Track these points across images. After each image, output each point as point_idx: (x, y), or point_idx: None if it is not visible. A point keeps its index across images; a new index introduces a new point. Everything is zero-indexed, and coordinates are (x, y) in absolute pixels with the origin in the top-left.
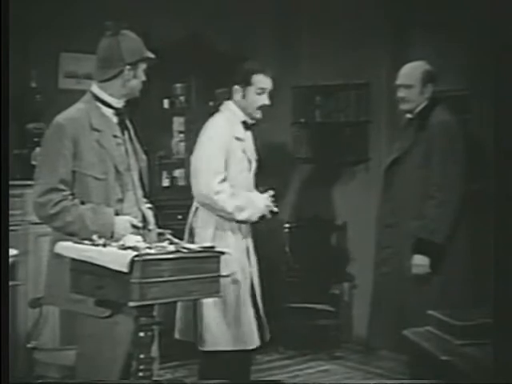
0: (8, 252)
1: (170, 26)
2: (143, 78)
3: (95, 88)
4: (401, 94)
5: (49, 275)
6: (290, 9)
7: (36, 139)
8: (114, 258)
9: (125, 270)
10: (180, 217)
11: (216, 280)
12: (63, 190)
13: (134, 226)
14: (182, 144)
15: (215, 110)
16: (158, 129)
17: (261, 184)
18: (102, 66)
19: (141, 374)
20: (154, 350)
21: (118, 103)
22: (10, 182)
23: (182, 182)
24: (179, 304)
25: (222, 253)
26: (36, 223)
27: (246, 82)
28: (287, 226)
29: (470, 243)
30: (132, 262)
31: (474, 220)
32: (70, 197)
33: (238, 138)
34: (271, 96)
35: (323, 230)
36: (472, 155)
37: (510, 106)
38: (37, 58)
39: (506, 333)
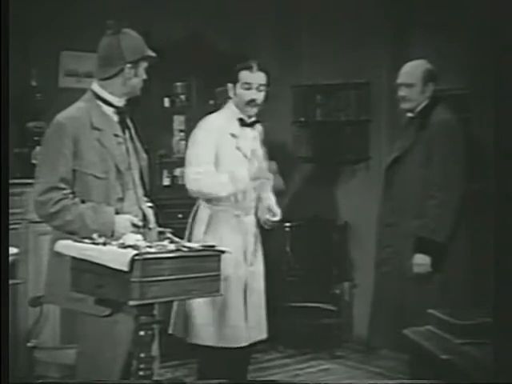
0: (8, 250)
1: (170, 26)
2: (144, 76)
3: (96, 86)
4: (402, 92)
5: (49, 274)
6: (291, 8)
7: (36, 138)
8: (114, 256)
9: (125, 268)
10: (180, 215)
11: (216, 279)
12: (63, 189)
13: (134, 225)
14: (183, 143)
15: (216, 108)
16: (159, 127)
17: None
18: (103, 65)
19: (141, 373)
20: (155, 349)
21: (119, 102)
22: (10, 181)
23: (182, 181)
24: None
25: (223, 252)
26: (36, 222)
27: (235, 80)
28: (288, 225)
29: (470, 242)
30: (132, 261)
31: (475, 219)
32: (71, 195)
33: (232, 135)
34: (271, 95)
35: (324, 229)
36: (472, 155)
37: (510, 106)
38: (37, 57)
39: (505, 332)
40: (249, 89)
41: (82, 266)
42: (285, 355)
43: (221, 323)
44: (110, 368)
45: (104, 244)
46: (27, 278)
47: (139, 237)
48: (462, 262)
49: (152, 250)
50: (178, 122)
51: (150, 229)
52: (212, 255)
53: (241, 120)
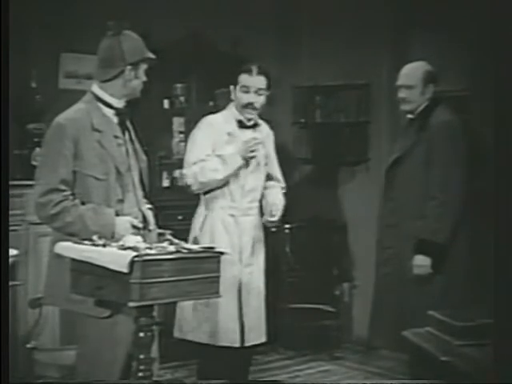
0: (8, 252)
1: (170, 26)
2: (144, 78)
3: (96, 88)
4: (402, 94)
5: (49, 275)
6: (291, 9)
7: (36, 139)
8: (113, 258)
9: (125, 270)
10: (180, 217)
11: (216, 280)
12: (64, 191)
13: (134, 227)
14: (183, 144)
15: (216, 109)
16: (158, 129)
17: None
18: (103, 66)
19: (141, 374)
20: (154, 351)
21: (119, 103)
22: (10, 183)
23: (181, 183)
24: None
25: (222, 253)
26: (36, 223)
27: (235, 82)
28: (288, 226)
29: (470, 243)
30: (132, 263)
31: (475, 220)
32: (71, 197)
33: (229, 133)
34: (271, 96)
35: (323, 230)
36: (472, 155)
37: (510, 107)
38: (37, 58)
39: (506, 333)
40: (247, 92)
41: (81, 268)
42: (285, 356)
43: (213, 322)
44: (109, 369)
45: (104, 246)
46: (27, 280)
47: (139, 238)
48: (462, 263)
49: (152, 251)
50: (178, 123)
51: (149, 230)
52: (211, 257)
53: (240, 122)
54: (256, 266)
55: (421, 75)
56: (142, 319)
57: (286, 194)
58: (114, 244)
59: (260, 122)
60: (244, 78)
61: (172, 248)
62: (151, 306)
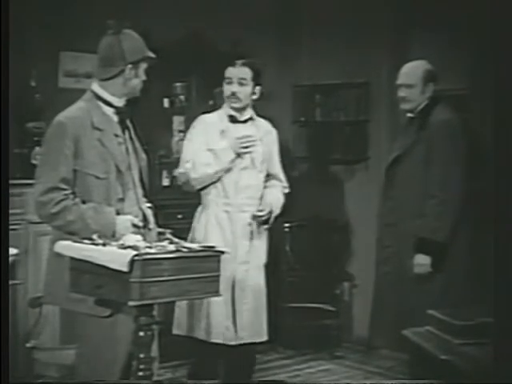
0: (8, 251)
1: (170, 26)
2: (143, 77)
3: (96, 87)
4: (402, 93)
5: (48, 274)
6: (291, 8)
7: (36, 138)
8: (113, 257)
9: (125, 269)
10: (180, 216)
11: (216, 279)
12: (64, 189)
13: (134, 226)
14: (182, 143)
15: (215, 108)
16: (158, 128)
17: None
18: (104, 65)
19: (141, 373)
20: (154, 350)
21: (119, 102)
22: (10, 181)
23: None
24: None
25: (222, 252)
26: (36, 222)
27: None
28: (287, 225)
29: (470, 242)
30: (132, 262)
31: (475, 219)
32: (71, 196)
33: (221, 131)
34: (271, 95)
35: (323, 229)
36: (472, 154)
37: (510, 106)
38: (36, 57)
39: (505, 332)
40: (230, 83)
41: (81, 267)
42: (284, 356)
43: (205, 317)
44: (109, 368)
45: (104, 245)
46: (27, 279)
47: (139, 237)
48: (462, 262)
49: (152, 250)
50: (178, 122)
51: (149, 229)
52: (211, 256)
53: (231, 117)
54: (253, 264)
55: (421, 74)
56: (141, 318)
57: (285, 194)
58: (113, 243)
59: (257, 118)
60: (228, 70)
61: (172, 247)
62: (151, 305)
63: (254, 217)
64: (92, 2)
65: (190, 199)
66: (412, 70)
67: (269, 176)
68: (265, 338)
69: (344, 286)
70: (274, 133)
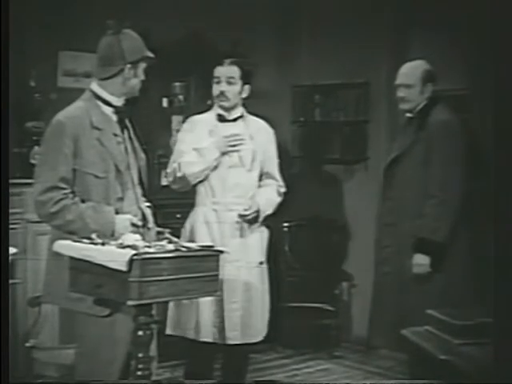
0: (8, 250)
1: (169, 26)
2: (142, 77)
3: (95, 86)
4: (401, 93)
5: (48, 274)
6: (291, 8)
7: (35, 138)
8: (112, 256)
9: (124, 268)
10: (179, 215)
11: (215, 279)
12: (64, 189)
13: (133, 225)
14: None
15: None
16: (157, 128)
17: None
18: (103, 65)
19: (140, 373)
20: (153, 349)
21: (118, 101)
22: (9, 181)
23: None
24: None
25: (221, 251)
26: (35, 222)
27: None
28: (286, 225)
29: (470, 242)
30: (131, 261)
31: (475, 219)
32: (71, 195)
33: (210, 131)
34: (271, 95)
35: (322, 229)
36: (472, 154)
37: (510, 106)
38: (36, 57)
39: (505, 332)
40: (218, 82)
41: (80, 266)
42: (283, 355)
43: (195, 316)
44: (108, 368)
45: (103, 244)
46: (26, 278)
47: (138, 237)
48: (461, 262)
49: (150, 250)
50: (177, 122)
51: (148, 229)
52: (210, 255)
53: (219, 115)
54: (244, 262)
55: (420, 74)
56: (140, 318)
57: (284, 194)
58: (112, 242)
59: (249, 117)
60: (216, 70)
61: (171, 246)
62: (150, 304)
63: (241, 216)
64: (91, 1)
65: (189, 199)
66: (411, 71)
67: (264, 175)
68: (258, 338)
69: (343, 285)
70: (268, 131)
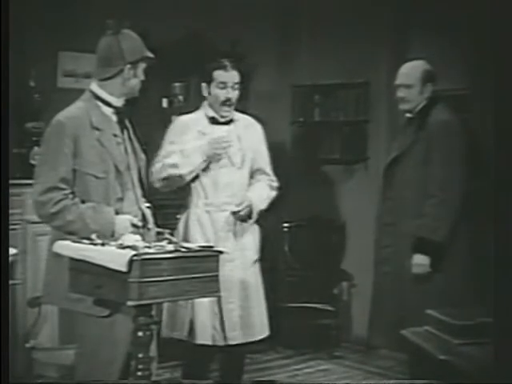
0: (8, 251)
1: (169, 26)
2: (142, 77)
3: (95, 87)
4: (400, 93)
5: (47, 274)
6: (290, 8)
7: (35, 138)
8: (112, 257)
9: (123, 269)
10: (179, 216)
11: (215, 279)
12: (63, 189)
13: (133, 225)
14: None
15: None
16: (157, 128)
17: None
18: (103, 65)
19: (139, 373)
20: (153, 350)
21: (118, 102)
22: (9, 181)
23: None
24: None
25: (221, 252)
26: (34, 222)
27: (210, 79)
28: (286, 225)
29: (470, 242)
30: (131, 262)
31: (474, 219)
32: (71, 196)
33: (199, 132)
34: (270, 95)
35: (322, 229)
36: (472, 154)
37: (510, 106)
38: (35, 57)
39: (505, 332)
40: (224, 88)
41: (80, 267)
42: (283, 355)
43: (192, 318)
44: (108, 368)
45: (102, 244)
46: (25, 279)
47: (138, 237)
48: (461, 262)
49: (150, 250)
50: None
51: (148, 229)
52: (210, 255)
53: (212, 118)
54: (240, 262)
55: (419, 74)
56: (140, 318)
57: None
58: (112, 243)
59: (237, 117)
60: (220, 75)
61: (171, 247)
62: (150, 305)
63: (233, 213)
64: (91, 1)
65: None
66: (410, 71)
67: (255, 172)
68: (257, 337)
69: (343, 285)
70: (256, 127)
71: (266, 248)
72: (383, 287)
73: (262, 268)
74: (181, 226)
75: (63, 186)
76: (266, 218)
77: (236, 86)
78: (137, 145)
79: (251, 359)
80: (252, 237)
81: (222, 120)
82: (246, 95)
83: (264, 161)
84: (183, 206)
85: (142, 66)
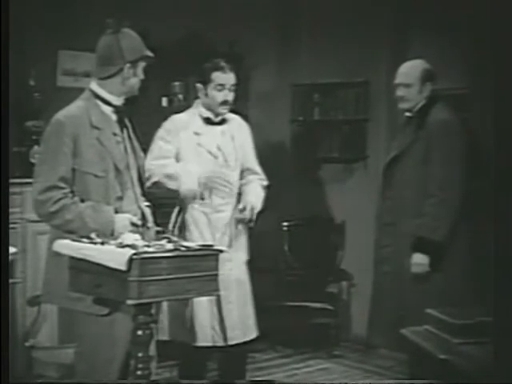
0: (8, 250)
1: (168, 25)
2: (142, 76)
3: (94, 86)
4: (400, 92)
5: (47, 273)
6: (290, 7)
7: (35, 137)
8: (112, 256)
9: (123, 268)
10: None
11: (214, 278)
12: (63, 188)
13: (133, 224)
14: None
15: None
16: (157, 127)
17: None
18: (102, 64)
19: (139, 372)
20: (152, 349)
21: (117, 101)
22: (9, 180)
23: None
24: None
25: (221, 251)
26: (34, 221)
27: (207, 80)
28: (286, 224)
29: (469, 242)
30: (130, 261)
31: (474, 219)
32: (70, 195)
33: (194, 132)
34: (270, 94)
35: (322, 228)
36: (472, 154)
37: (510, 106)
38: (35, 56)
39: (505, 331)
40: (222, 90)
41: (80, 266)
42: (283, 354)
43: (192, 321)
44: (108, 367)
45: (102, 243)
46: (25, 278)
47: (137, 236)
48: (461, 262)
49: (150, 249)
50: None
51: (148, 228)
52: (210, 254)
53: (207, 119)
54: (236, 262)
55: (419, 74)
56: (140, 317)
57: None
58: (112, 242)
59: (229, 117)
60: (218, 76)
61: (170, 246)
62: (149, 303)
63: (238, 220)
64: (91, 1)
65: None
66: (410, 70)
67: (245, 171)
68: (254, 334)
69: (342, 285)
70: (245, 126)
71: (266, 248)
72: (383, 286)
73: (261, 268)
74: (176, 228)
75: (63, 184)
76: (265, 218)
77: (233, 88)
78: (136, 144)
79: (250, 358)
80: (243, 238)
81: (217, 120)
82: (246, 95)
83: (253, 160)
84: (181, 207)
85: (142, 64)
